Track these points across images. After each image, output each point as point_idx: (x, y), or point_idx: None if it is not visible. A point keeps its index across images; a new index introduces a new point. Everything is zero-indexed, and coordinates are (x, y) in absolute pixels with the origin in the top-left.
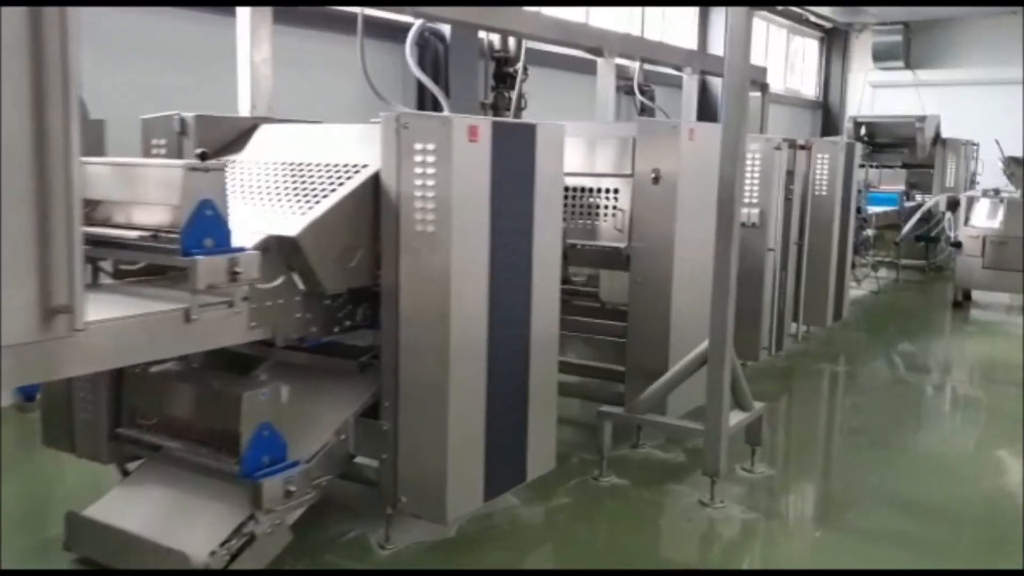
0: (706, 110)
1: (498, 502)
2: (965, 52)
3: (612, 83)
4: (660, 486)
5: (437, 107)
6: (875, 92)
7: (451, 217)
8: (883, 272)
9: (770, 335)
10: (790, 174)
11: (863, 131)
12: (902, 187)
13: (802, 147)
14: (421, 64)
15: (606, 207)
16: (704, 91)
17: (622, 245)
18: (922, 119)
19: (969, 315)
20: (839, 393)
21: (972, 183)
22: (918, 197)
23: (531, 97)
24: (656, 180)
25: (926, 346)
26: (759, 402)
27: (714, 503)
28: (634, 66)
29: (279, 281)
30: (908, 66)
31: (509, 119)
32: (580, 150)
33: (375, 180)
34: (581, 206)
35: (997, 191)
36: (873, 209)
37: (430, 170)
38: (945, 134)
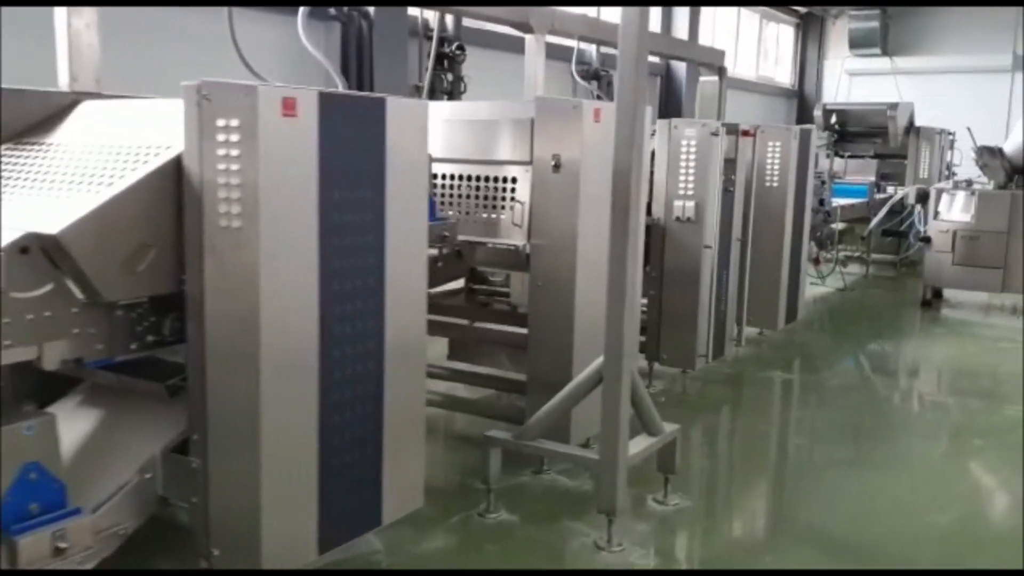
0: (672, 100)
1: (354, 547)
2: (944, 39)
3: (541, 62)
4: (554, 523)
5: (362, 80)
6: (852, 80)
7: (259, 209)
8: (853, 267)
9: (708, 341)
10: (731, 163)
11: (834, 119)
12: (873, 178)
13: (745, 133)
14: (344, 43)
15: (503, 199)
16: (670, 80)
17: (520, 243)
18: (894, 107)
19: (939, 315)
20: (782, 406)
21: (948, 174)
22: (889, 189)
23: (475, 82)
24: (556, 167)
25: (888, 351)
26: (673, 424)
27: (611, 546)
28: (592, 49)
29: (44, 289)
30: (886, 53)
31: (344, 91)
32: (477, 134)
33: (176, 165)
34: (477, 198)
35: (970, 182)
36: (839, 201)
37: (234, 151)
38: (922, 123)
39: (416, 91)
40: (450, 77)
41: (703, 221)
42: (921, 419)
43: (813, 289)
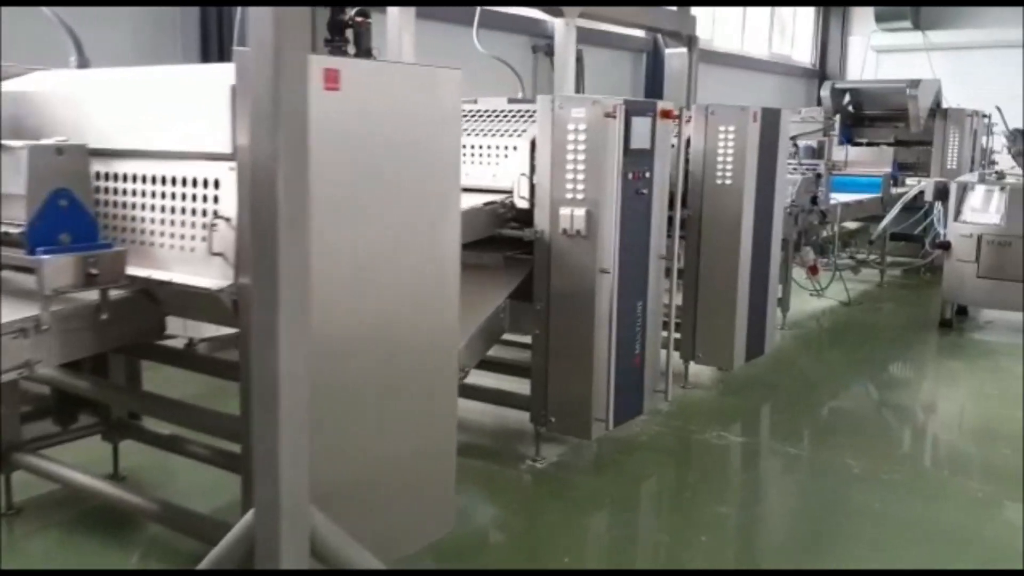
0: (658, 81)
1: None
2: (983, 10)
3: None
4: None
5: (225, 58)
6: (879, 58)
7: None
8: (866, 274)
9: (609, 400)
10: (647, 153)
11: (847, 100)
12: (888, 169)
13: (665, 114)
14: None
15: (194, 213)
16: (657, 57)
17: (220, 283)
18: (915, 84)
19: (961, 340)
20: (693, 503)
21: (985, 164)
22: (910, 181)
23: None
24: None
25: (882, 398)
26: None
27: None
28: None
29: None
30: (917, 27)
31: None
32: (153, 111)
33: None
34: (165, 210)
35: (1000, 174)
36: (842, 198)
37: None
38: (957, 103)
39: None
40: (353, 51)
41: (597, 235)
42: (936, 530)
43: (810, 304)
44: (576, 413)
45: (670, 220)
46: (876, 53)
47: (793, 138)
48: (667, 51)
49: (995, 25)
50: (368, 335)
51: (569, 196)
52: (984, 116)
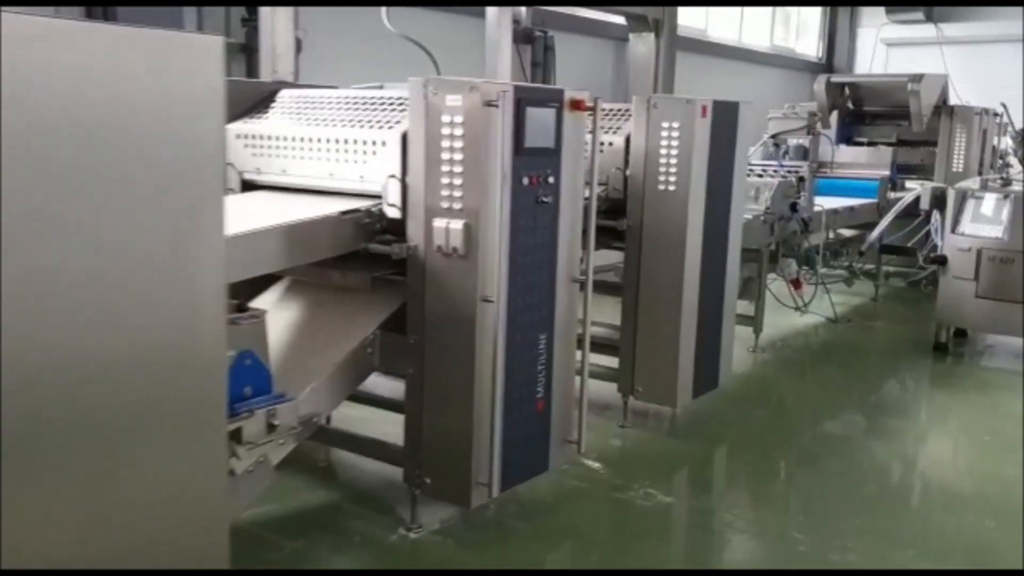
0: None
1: None
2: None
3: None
4: None
5: None
6: (889, 51)
7: None
8: (860, 287)
9: (492, 459)
10: (549, 153)
11: (846, 93)
12: (887, 172)
13: (576, 105)
14: None
15: None
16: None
17: None
18: (917, 79)
19: (957, 368)
20: None
21: (1001, 166)
22: (911, 185)
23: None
24: None
25: (851, 447)
26: None
27: None
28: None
29: None
30: (930, 19)
31: None
32: None
33: None
34: None
35: (1006, 180)
36: (833, 203)
37: None
38: (971, 101)
39: (233, 50)
40: None
41: (477, 254)
42: None
43: (793, 322)
44: (454, 474)
45: (604, 231)
46: (886, 46)
47: (774, 136)
48: (631, 36)
49: (1014, 17)
50: (80, 374)
51: (445, 205)
52: (996, 115)
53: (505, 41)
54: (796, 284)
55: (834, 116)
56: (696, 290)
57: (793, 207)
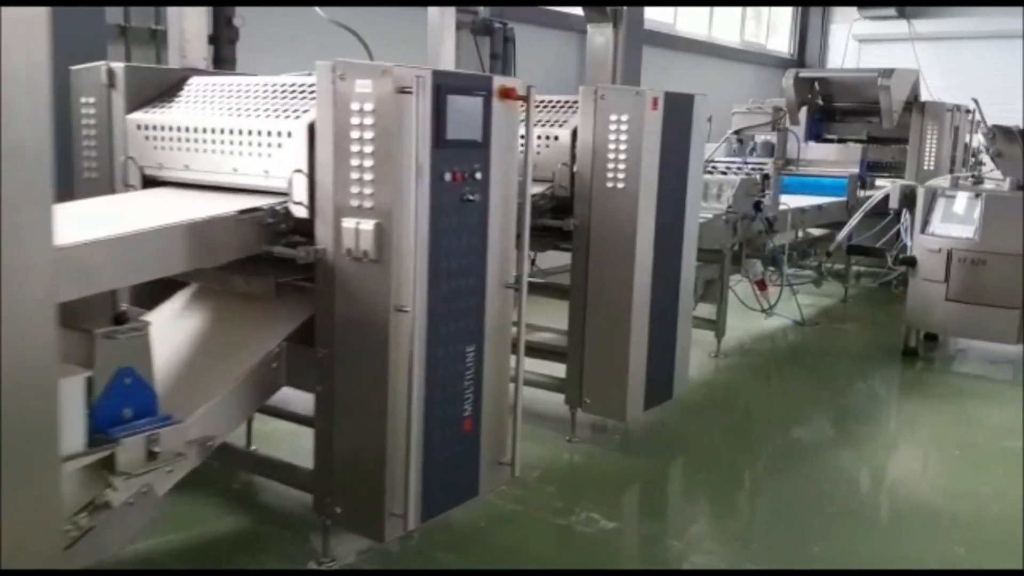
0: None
1: None
2: None
3: None
4: None
5: None
6: (861, 47)
7: None
8: (830, 288)
9: (409, 484)
10: (476, 146)
11: (815, 89)
12: (856, 170)
13: (507, 94)
14: None
15: None
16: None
17: None
18: (888, 73)
19: (928, 375)
20: None
21: (973, 164)
22: (881, 183)
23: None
24: None
25: (810, 460)
26: None
27: None
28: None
29: None
30: (903, 15)
31: None
32: None
33: None
34: None
35: (977, 179)
36: (800, 202)
37: None
38: (944, 98)
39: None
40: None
41: (391, 259)
42: None
43: (759, 325)
44: (366, 504)
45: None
46: (858, 42)
47: (738, 132)
48: (589, 28)
49: (987, 14)
50: None
51: (355, 203)
52: (968, 111)
53: (448, 29)
54: (761, 286)
55: (803, 112)
56: (647, 294)
57: (757, 206)
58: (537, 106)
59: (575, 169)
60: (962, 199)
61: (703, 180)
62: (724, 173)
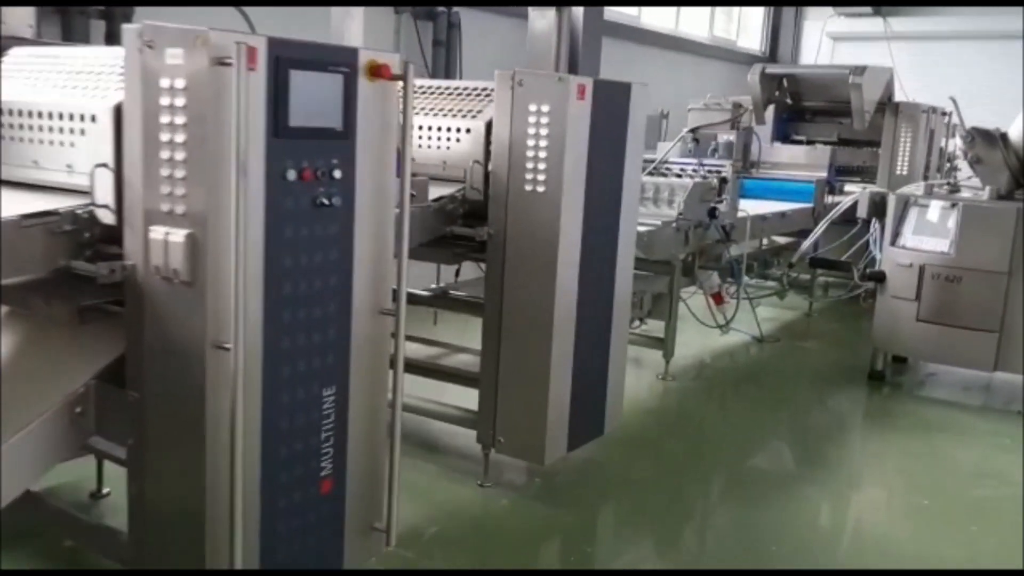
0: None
1: None
2: None
3: None
4: None
5: None
6: (835, 45)
7: None
8: (793, 300)
9: (232, 563)
10: (335, 136)
11: (784, 86)
12: (823, 175)
13: (376, 72)
14: None
15: None
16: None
17: None
18: (860, 71)
19: (893, 400)
20: None
21: (948, 169)
22: (851, 188)
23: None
24: None
25: (758, 511)
26: None
27: None
28: None
29: None
30: (878, 12)
31: None
32: None
33: None
34: None
35: (954, 186)
36: (763, 208)
37: None
38: (919, 99)
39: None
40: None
41: (205, 280)
42: None
43: (712, 342)
44: None
45: (463, 241)
46: (832, 40)
47: (693, 131)
48: (530, 11)
49: (967, 13)
50: None
51: (166, 208)
52: (944, 113)
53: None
54: (718, 299)
55: (770, 111)
56: (572, 313)
57: (712, 212)
58: (449, 93)
59: (490, 168)
60: (936, 208)
61: (653, 183)
62: (679, 175)
